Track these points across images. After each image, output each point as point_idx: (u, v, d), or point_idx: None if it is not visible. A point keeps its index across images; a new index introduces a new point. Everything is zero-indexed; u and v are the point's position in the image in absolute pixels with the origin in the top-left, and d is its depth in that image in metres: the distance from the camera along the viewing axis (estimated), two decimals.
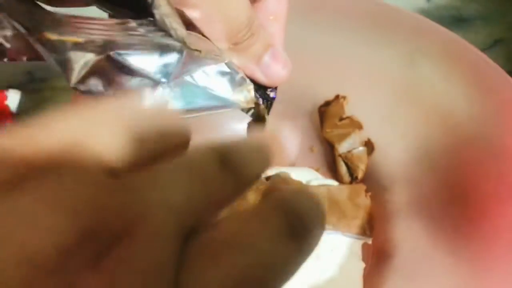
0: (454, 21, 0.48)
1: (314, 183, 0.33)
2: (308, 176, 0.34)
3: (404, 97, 0.33)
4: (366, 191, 0.32)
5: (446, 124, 0.31)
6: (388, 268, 0.30)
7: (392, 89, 0.33)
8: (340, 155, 0.35)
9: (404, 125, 0.33)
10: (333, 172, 0.35)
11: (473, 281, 0.26)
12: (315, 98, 0.36)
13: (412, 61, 0.32)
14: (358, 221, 0.31)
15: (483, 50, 0.46)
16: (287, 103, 0.36)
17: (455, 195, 0.29)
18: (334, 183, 0.34)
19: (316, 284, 0.28)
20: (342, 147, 0.35)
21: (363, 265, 0.30)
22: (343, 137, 0.34)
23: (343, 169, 0.35)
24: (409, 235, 0.31)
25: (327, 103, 0.35)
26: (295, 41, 0.34)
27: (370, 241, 0.31)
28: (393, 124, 0.34)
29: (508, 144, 0.28)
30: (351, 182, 0.34)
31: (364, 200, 0.32)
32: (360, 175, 0.34)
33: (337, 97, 0.34)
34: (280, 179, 0.32)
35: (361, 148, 0.34)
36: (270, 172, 0.33)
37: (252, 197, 0.30)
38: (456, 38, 0.31)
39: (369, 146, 0.34)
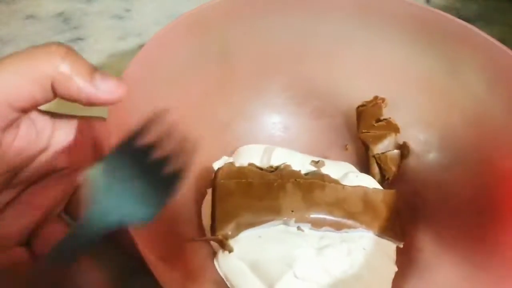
0: None
1: (351, 176, 0.33)
2: (345, 169, 0.34)
3: (443, 103, 0.33)
4: (399, 196, 0.33)
5: (484, 135, 0.31)
6: (411, 272, 0.30)
7: (433, 94, 0.33)
8: (373, 156, 0.35)
9: (442, 132, 0.33)
10: (365, 172, 0.35)
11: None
12: (353, 97, 0.35)
13: (455, 68, 0.32)
14: (390, 224, 0.31)
15: None
16: (325, 100, 0.37)
17: (483, 206, 0.30)
18: (369, 178, 0.34)
19: (345, 279, 0.29)
20: (376, 149, 0.35)
21: (395, 268, 0.30)
22: (379, 138, 0.34)
23: (375, 169, 0.35)
24: (434, 241, 0.31)
25: (365, 104, 0.35)
26: (339, 41, 0.35)
27: (401, 245, 0.31)
28: (431, 130, 0.34)
29: None
30: (382, 183, 0.34)
31: (397, 205, 0.32)
32: (391, 176, 0.34)
33: (375, 98, 0.34)
34: (319, 175, 0.33)
35: (395, 151, 0.34)
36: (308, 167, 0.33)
37: (290, 189, 0.31)
38: (500, 47, 0.31)
39: (404, 149, 0.34)
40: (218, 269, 0.29)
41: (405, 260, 0.31)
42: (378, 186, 0.34)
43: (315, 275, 0.28)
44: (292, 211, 0.30)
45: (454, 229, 0.31)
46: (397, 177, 0.34)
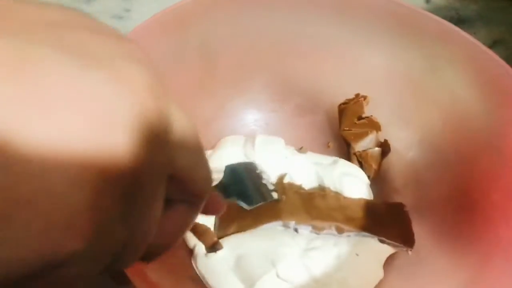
0: (454, 22, 0.48)
1: (341, 162, 0.34)
2: (333, 158, 0.35)
3: (424, 102, 0.33)
4: (405, 208, 0.32)
5: (463, 131, 0.31)
6: (390, 268, 0.30)
7: (413, 93, 0.34)
8: (355, 153, 0.35)
9: (422, 130, 0.33)
10: None
11: (472, 284, 0.26)
12: (335, 95, 0.36)
13: (434, 66, 0.32)
14: (397, 231, 0.31)
15: None
16: (307, 98, 0.37)
17: (463, 202, 0.30)
18: (359, 170, 0.34)
19: (328, 282, 0.29)
20: (358, 146, 0.35)
21: (381, 275, 0.30)
22: (360, 136, 0.35)
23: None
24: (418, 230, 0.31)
25: (347, 101, 0.35)
26: (321, 39, 0.35)
27: (410, 252, 0.31)
28: (411, 129, 0.34)
29: None
30: None
31: (406, 215, 0.32)
32: (372, 174, 0.34)
33: (357, 96, 0.34)
34: (321, 188, 0.33)
35: (376, 149, 0.35)
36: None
37: (291, 196, 0.32)
38: (481, 47, 0.31)
39: (385, 147, 0.35)
40: (196, 268, 0.29)
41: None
42: (364, 176, 0.34)
43: (297, 276, 0.28)
44: (292, 214, 0.30)
45: (431, 223, 0.31)
46: (378, 174, 0.34)
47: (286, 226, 0.30)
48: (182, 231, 0.17)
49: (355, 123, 0.34)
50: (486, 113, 0.30)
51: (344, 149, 0.36)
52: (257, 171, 0.29)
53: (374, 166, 0.34)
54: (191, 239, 0.30)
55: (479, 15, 0.49)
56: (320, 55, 0.35)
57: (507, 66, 0.29)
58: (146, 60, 0.14)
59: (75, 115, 0.11)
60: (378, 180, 0.34)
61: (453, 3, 0.50)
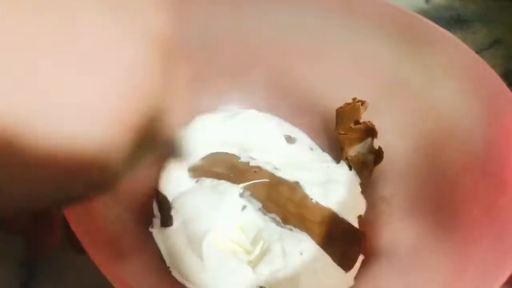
0: (453, 21, 0.49)
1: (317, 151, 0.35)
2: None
3: (420, 110, 0.33)
4: (363, 238, 0.32)
5: (454, 144, 0.31)
6: (379, 267, 0.30)
7: (410, 100, 0.33)
8: (346, 158, 0.35)
9: (417, 138, 0.33)
10: None
11: (454, 275, 0.26)
12: (333, 98, 0.35)
13: (432, 75, 0.32)
14: (340, 252, 0.31)
15: (482, 50, 0.46)
16: (304, 98, 0.37)
17: (446, 204, 0.30)
18: (350, 178, 0.34)
19: (273, 281, 0.29)
20: (351, 151, 0.35)
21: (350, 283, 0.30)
22: (355, 141, 0.34)
23: None
24: (401, 237, 0.31)
25: (345, 105, 0.35)
26: (323, 40, 0.35)
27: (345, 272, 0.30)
28: (406, 136, 0.34)
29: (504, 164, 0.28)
30: None
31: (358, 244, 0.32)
32: (362, 180, 0.34)
33: (354, 100, 0.34)
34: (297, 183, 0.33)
35: (369, 156, 0.34)
36: None
37: (259, 176, 0.33)
38: (477, 58, 0.31)
39: (379, 154, 0.34)
40: (158, 242, 0.30)
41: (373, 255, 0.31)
42: (355, 186, 0.34)
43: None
44: (250, 186, 0.31)
45: (416, 224, 0.31)
46: (368, 181, 0.34)
47: (241, 196, 0.31)
48: None
49: (352, 127, 0.34)
50: (479, 125, 0.30)
51: (338, 153, 0.36)
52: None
53: (365, 173, 0.34)
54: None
55: (479, 15, 0.49)
56: (321, 56, 0.35)
57: (503, 84, 0.29)
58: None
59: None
60: (367, 186, 0.34)
61: (453, 3, 0.50)
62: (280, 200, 0.32)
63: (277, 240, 0.30)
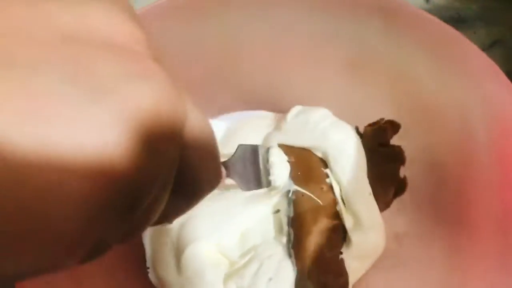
0: (454, 21, 0.49)
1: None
2: None
3: (428, 118, 0.32)
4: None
5: (458, 153, 0.30)
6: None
7: (417, 108, 0.33)
8: None
9: (422, 147, 0.32)
10: None
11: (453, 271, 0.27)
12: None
13: (442, 81, 0.32)
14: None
15: (482, 50, 0.46)
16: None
17: (442, 199, 0.30)
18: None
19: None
20: (371, 175, 0.32)
21: None
22: (376, 165, 0.32)
23: None
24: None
25: (372, 124, 0.33)
26: (310, 46, 0.35)
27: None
28: (410, 144, 0.32)
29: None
30: None
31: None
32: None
33: (381, 120, 0.33)
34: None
35: (391, 185, 0.32)
36: None
37: None
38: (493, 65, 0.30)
39: (401, 185, 0.32)
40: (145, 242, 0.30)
41: None
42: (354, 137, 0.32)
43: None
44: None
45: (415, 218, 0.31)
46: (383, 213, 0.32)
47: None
48: (167, 220, 0.18)
49: (377, 150, 0.32)
50: (487, 139, 0.29)
51: None
52: (264, 155, 0.29)
53: (380, 204, 0.31)
54: None
55: (479, 15, 0.49)
56: (312, 60, 0.35)
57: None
58: (157, 70, 0.14)
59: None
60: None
61: (453, 3, 0.50)
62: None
63: (264, 258, 0.28)
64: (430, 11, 0.48)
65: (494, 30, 0.48)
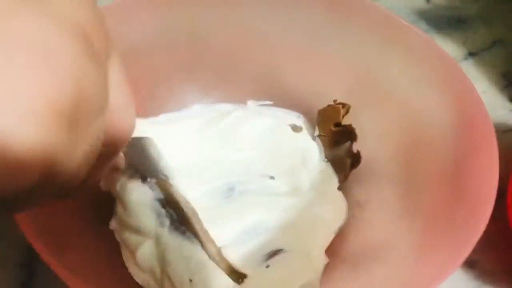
0: (454, 21, 0.49)
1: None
2: None
3: (405, 118, 0.33)
4: None
5: (427, 153, 0.31)
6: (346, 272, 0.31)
7: (393, 107, 0.34)
8: (323, 160, 0.35)
9: (398, 146, 0.33)
10: None
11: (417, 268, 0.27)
12: (319, 99, 0.36)
13: (419, 84, 0.33)
14: None
15: (482, 50, 0.46)
16: (289, 98, 0.37)
17: (415, 207, 0.30)
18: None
19: None
20: (329, 154, 0.35)
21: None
22: (333, 144, 0.35)
23: None
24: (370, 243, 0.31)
25: (327, 107, 0.35)
26: (312, 40, 0.35)
27: None
28: (387, 143, 0.34)
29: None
30: None
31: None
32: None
33: (334, 101, 0.35)
34: None
35: (347, 159, 0.34)
36: None
37: None
38: (457, 67, 0.31)
39: (356, 159, 0.34)
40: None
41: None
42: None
43: None
44: None
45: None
46: (343, 184, 0.34)
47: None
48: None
49: (332, 129, 0.34)
50: (458, 145, 0.30)
51: None
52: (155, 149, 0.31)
53: (342, 176, 0.34)
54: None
55: (479, 15, 0.49)
56: (309, 56, 0.36)
57: (483, 106, 0.29)
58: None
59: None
60: (343, 191, 0.34)
61: (453, 3, 0.50)
62: None
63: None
64: (430, 11, 0.49)
65: (494, 30, 0.48)
